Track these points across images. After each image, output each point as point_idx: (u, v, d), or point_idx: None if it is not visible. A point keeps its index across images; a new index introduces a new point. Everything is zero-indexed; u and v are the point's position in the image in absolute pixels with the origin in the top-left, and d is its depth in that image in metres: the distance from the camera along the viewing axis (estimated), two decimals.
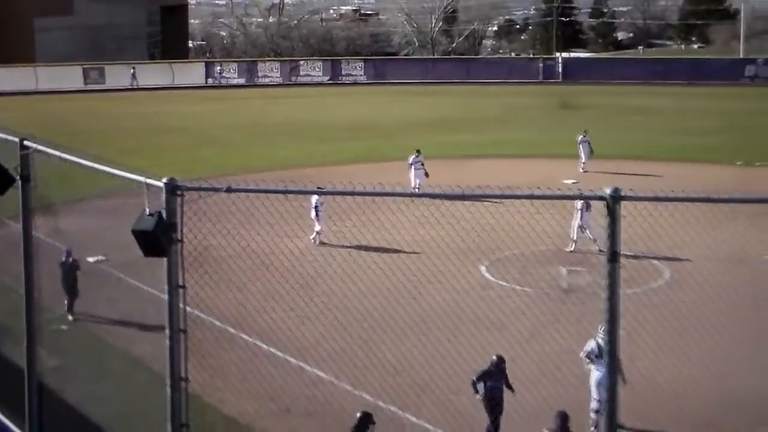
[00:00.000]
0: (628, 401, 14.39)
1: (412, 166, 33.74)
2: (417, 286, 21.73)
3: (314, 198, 26.80)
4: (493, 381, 14.52)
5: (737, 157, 41.88)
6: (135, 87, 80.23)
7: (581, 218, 25.96)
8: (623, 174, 36.05)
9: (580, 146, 39.45)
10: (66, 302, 21.20)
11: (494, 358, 14.76)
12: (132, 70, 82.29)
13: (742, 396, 15.55)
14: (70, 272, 21.20)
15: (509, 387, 14.82)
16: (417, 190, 31.07)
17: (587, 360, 15.47)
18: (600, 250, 25.59)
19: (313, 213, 27.51)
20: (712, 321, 17.32)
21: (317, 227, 27.66)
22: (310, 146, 47.95)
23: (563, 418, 13.33)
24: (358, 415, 12.90)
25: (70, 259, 21.33)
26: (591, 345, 15.32)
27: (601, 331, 12.86)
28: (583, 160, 39.31)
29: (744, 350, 17.29)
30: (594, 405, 14.94)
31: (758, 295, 19.08)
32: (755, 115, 57.80)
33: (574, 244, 26.13)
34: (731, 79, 79.04)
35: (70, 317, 21.07)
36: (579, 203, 25.26)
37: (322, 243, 27.14)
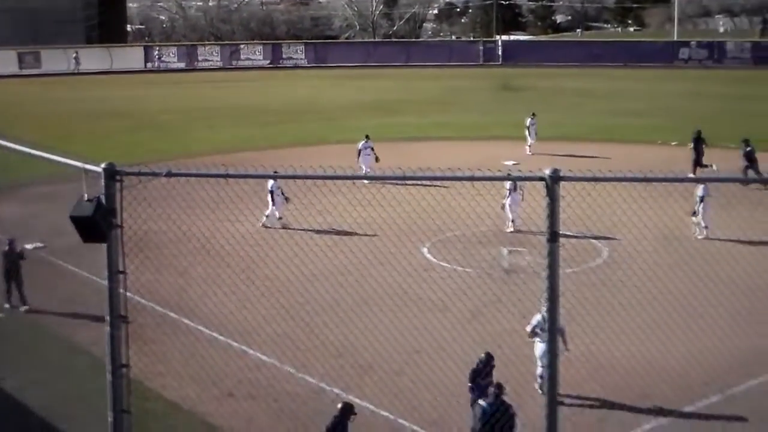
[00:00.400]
0: (568, 377, 14.64)
1: (361, 152, 33.59)
2: (359, 268, 21.83)
3: (270, 182, 26.70)
4: (483, 379, 14.09)
5: (672, 137, 42.56)
6: (77, 71, 79.06)
7: (509, 197, 26.34)
8: (571, 156, 36.43)
9: (530, 129, 39.69)
10: (6, 292, 20.72)
11: (483, 356, 14.29)
12: (74, 55, 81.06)
13: (674, 367, 15.93)
14: (13, 261, 20.68)
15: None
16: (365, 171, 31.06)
17: (533, 333, 16.00)
18: (512, 231, 26.08)
19: (269, 196, 27.41)
20: (648, 297, 17.70)
21: (268, 210, 27.54)
22: (251, 130, 47.73)
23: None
24: (339, 406, 12.70)
25: (11, 247, 20.86)
26: (537, 318, 15.88)
27: (545, 306, 14.31)
28: (530, 143, 39.53)
29: (676, 324, 17.68)
30: (540, 371, 15.62)
31: (691, 272, 19.46)
32: (688, 97, 58.80)
33: (512, 225, 26.42)
34: (666, 61, 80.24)
35: (23, 308, 20.54)
36: (508, 184, 25.61)
37: (265, 227, 27.09)
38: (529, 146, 39.43)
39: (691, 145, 34.30)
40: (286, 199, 27.45)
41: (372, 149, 33.53)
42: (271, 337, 17.54)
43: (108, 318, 8.27)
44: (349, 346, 16.53)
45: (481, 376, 14.10)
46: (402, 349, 16.24)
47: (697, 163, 33.44)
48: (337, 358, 16.19)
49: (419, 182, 29.24)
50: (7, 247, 20.78)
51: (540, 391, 15.53)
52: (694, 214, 24.66)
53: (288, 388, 15.85)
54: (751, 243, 21.84)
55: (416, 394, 14.77)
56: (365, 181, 30.19)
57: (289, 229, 26.48)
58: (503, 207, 26.49)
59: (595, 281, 20.78)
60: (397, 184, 27.26)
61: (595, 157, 35.50)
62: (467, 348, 15.66)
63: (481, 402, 13.09)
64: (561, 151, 37.77)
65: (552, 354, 7.72)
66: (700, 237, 24.33)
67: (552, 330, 7.89)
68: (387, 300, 18.90)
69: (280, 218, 27.53)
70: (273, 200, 27.47)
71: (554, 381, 7.69)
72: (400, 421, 14.57)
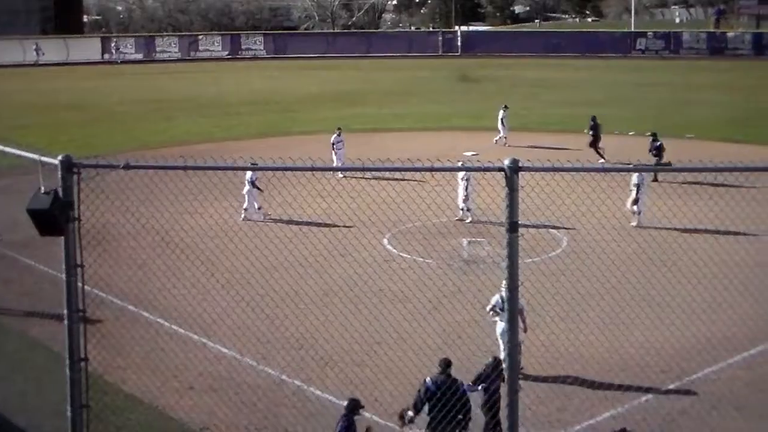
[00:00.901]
0: (528, 366, 14.82)
1: (334, 146, 32.88)
2: (319, 260, 21.83)
3: (248, 174, 26.48)
4: (490, 383, 13.34)
5: (629, 127, 42.92)
6: (37, 63, 78.11)
7: (466, 189, 26.40)
8: (533, 147, 36.61)
9: (503, 120, 39.49)
10: None
11: (491, 360, 13.61)
12: (34, 46, 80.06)
13: (632, 356, 16.11)
14: None
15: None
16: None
17: (492, 313, 16.35)
18: (460, 219, 26.18)
19: (246, 188, 27.13)
20: (606, 287, 17.84)
21: (245, 204, 27.27)
22: (210, 122, 47.46)
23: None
24: (345, 403, 12.40)
25: None
26: (495, 299, 16.27)
27: (504, 286, 14.61)
28: (503, 134, 39.37)
29: (634, 313, 17.89)
30: (503, 355, 14.80)
31: (649, 261, 19.69)
32: (645, 87, 59.33)
33: (470, 215, 26.47)
34: (623, 51, 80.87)
35: None
36: (461, 174, 25.61)
37: (247, 219, 26.89)
38: (502, 138, 39.28)
39: (589, 131, 34.92)
40: (258, 189, 27.10)
41: (343, 143, 33.05)
42: (231, 329, 17.48)
43: (66, 312, 8.20)
44: (310, 337, 16.53)
45: (488, 381, 13.25)
46: (363, 341, 16.25)
47: (594, 146, 34.30)
48: (298, 350, 16.18)
49: (379, 173, 29.25)
50: None
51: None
52: (636, 202, 24.90)
53: (249, 380, 15.81)
54: (707, 232, 22.11)
55: (377, 385, 14.77)
56: (339, 174, 30.18)
57: (243, 222, 26.35)
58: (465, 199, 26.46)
59: (554, 271, 20.93)
60: (356, 175, 27.22)
61: (554, 148, 35.76)
62: (428, 339, 15.71)
63: (427, 379, 12.75)
64: (519, 142, 37.92)
65: (512, 344, 7.77)
66: (633, 224, 24.62)
67: (512, 320, 7.93)
68: (348, 291, 18.91)
69: (259, 208, 27.21)
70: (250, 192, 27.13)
71: (514, 371, 7.75)
72: (361, 412, 14.57)
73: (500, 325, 15.87)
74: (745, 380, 15.75)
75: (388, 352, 15.30)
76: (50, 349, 16.63)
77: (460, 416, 12.37)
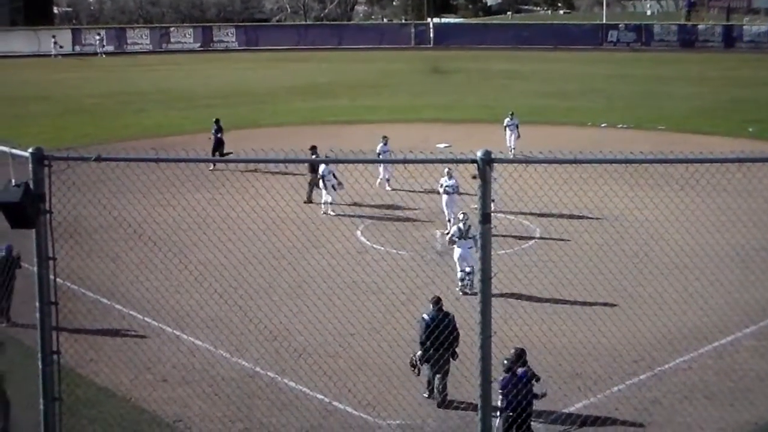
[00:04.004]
0: (501, 357, 14.85)
1: (380, 155, 29.41)
2: (292, 251, 21.80)
3: (322, 168, 26.30)
4: (517, 392, 12.97)
5: (600, 119, 43.19)
6: (56, 56, 78.20)
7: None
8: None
9: (507, 130, 34.57)
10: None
11: (512, 351, 13.33)
12: (53, 39, 80.00)
13: (605, 346, 16.21)
14: (9, 270, 17.28)
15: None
16: (383, 181, 29.58)
17: (451, 241, 20.26)
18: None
19: (321, 183, 26.80)
20: (579, 277, 17.96)
21: (324, 197, 26.93)
22: (182, 114, 47.24)
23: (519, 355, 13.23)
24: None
25: (8, 254, 17.74)
26: (453, 229, 20.50)
27: (461, 217, 19.88)
28: (511, 147, 33.90)
29: (607, 304, 18.02)
30: (460, 275, 19.87)
31: (621, 252, 19.82)
32: (616, 79, 59.66)
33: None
34: (595, 43, 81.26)
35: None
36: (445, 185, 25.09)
37: (326, 214, 26.68)
38: (512, 150, 33.57)
39: (213, 135, 33.36)
40: (339, 183, 26.53)
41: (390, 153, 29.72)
42: (204, 321, 17.44)
43: (38, 304, 8.15)
44: (284, 329, 16.51)
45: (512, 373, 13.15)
46: (337, 332, 16.27)
47: (218, 150, 32.56)
48: (272, 342, 16.16)
49: (353, 165, 29.19)
50: (3, 253, 17.82)
51: (461, 293, 19.37)
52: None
53: (222, 373, 15.78)
54: (678, 222, 22.29)
55: (351, 377, 14.81)
56: (387, 187, 29.32)
57: (216, 214, 26.26)
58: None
59: (527, 262, 21.01)
60: (329, 167, 27.15)
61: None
62: (401, 330, 15.76)
63: (424, 315, 14.66)
64: (487, 133, 37.86)
65: (485, 336, 7.78)
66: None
67: (485, 311, 7.91)
68: (321, 283, 18.91)
69: (329, 203, 26.93)
70: (325, 185, 26.79)
71: (487, 361, 7.78)
72: (335, 403, 14.61)
73: (457, 251, 19.88)
74: (716, 369, 15.91)
75: (362, 344, 15.32)
76: (22, 342, 16.54)
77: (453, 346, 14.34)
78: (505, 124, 34.76)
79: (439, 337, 14.10)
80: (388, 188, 29.10)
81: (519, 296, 18.54)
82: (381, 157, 29.48)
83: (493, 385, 7.95)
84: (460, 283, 19.82)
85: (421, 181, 26.98)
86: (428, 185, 26.29)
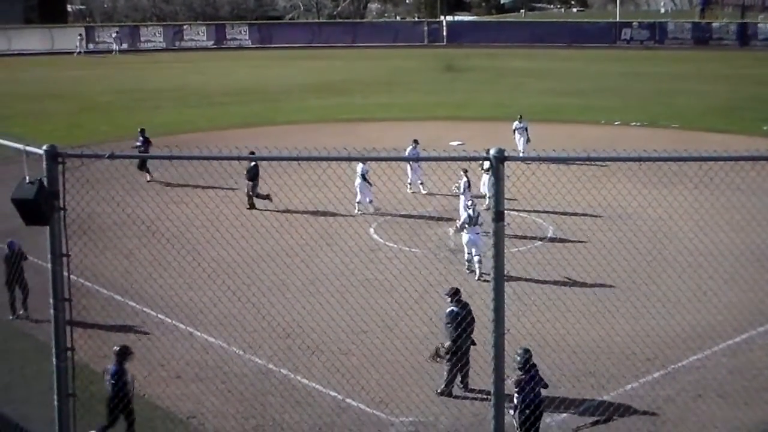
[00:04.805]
0: (514, 355, 14.83)
1: (411, 164, 28.94)
2: (306, 249, 21.85)
3: (359, 166, 25.93)
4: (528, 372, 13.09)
5: (614, 117, 43.08)
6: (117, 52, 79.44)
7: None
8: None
9: (516, 133, 33.13)
10: (10, 303, 18.58)
11: (519, 351, 13.26)
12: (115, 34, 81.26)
13: (618, 344, 16.20)
14: (15, 264, 17.84)
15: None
16: (413, 184, 28.98)
17: (461, 228, 21.30)
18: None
19: (358, 181, 26.32)
20: (592, 276, 17.93)
21: (359, 197, 26.51)
22: (195, 111, 47.33)
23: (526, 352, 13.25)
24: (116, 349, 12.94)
25: (12, 250, 18.10)
26: (463, 217, 21.57)
27: (469, 203, 21.20)
28: (522, 151, 31.79)
29: (620, 302, 17.97)
30: (467, 257, 21.25)
31: (635, 250, 19.75)
32: (630, 77, 59.47)
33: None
34: (608, 41, 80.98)
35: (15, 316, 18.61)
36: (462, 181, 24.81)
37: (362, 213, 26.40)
38: (521, 152, 31.28)
39: (138, 146, 30.24)
40: (368, 183, 26.25)
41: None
42: (218, 318, 17.49)
43: (52, 300, 8.18)
44: (297, 326, 16.54)
45: (531, 372, 13.11)
46: (349, 330, 16.27)
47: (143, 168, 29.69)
48: (285, 339, 16.18)
49: (365, 163, 29.20)
50: (7, 250, 18.15)
51: (468, 272, 20.91)
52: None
53: (235, 370, 15.82)
54: (692, 221, 22.22)
55: (363, 374, 14.83)
56: (423, 190, 28.64)
57: (229, 211, 26.32)
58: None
59: (540, 260, 20.97)
60: (342, 165, 27.17)
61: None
62: (414, 328, 15.75)
63: (453, 307, 15.12)
64: (501, 131, 37.82)
65: (498, 333, 7.76)
66: None
67: (498, 308, 7.88)
68: (334, 281, 18.92)
69: (370, 201, 26.58)
70: (369, 183, 26.39)
71: (500, 359, 7.76)
72: (348, 400, 14.63)
73: (466, 236, 21.12)
74: (729, 368, 15.85)
75: (375, 341, 15.31)
76: (36, 339, 16.63)
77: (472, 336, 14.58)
78: (514, 128, 33.41)
79: (466, 329, 14.33)
80: (423, 191, 28.32)
81: (532, 294, 18.51)
82: (411, 163, 28.79)
83: (507, 382, 7.94)
84: (467, 264, 21.22)
85: (434, 179, 26.97)
86: (441, 183, 26.28)
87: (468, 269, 21.10)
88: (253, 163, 26.61)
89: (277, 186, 25.08)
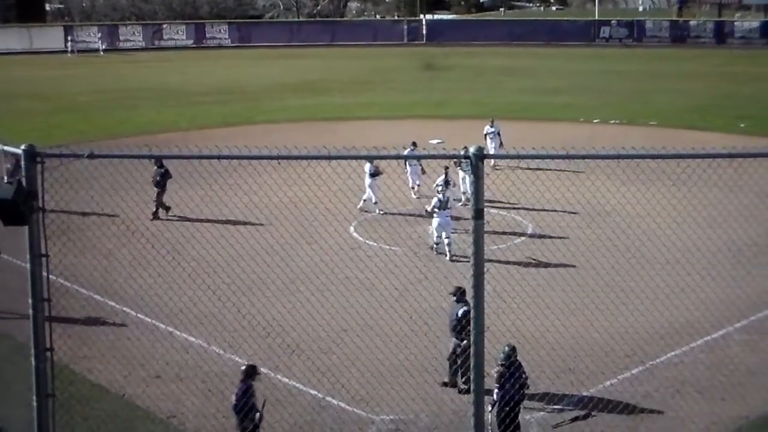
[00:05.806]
0: (494, 352, 14.91)
1: (410, 166, 28.03)
2: (286, 248, 21.82)
3: (367, 165, 25.72)
4: (517, 369, 13.30)
5: (593, 115, 43.26)
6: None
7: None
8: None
9: (488, 138, 31.09)
10: None
11: (506, 349, 13.49)
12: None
13: (597, 341, 16.28)
14: None
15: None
16: (415, 188, 28.08)
17: (432, 212, 21.81)
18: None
19: (367, 180, 26.13)
20: (571, 272, 18.02)
21: (367, 194, 26.32)
22: (175, 111, 47.17)
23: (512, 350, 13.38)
24: (242, 368, 12.73)
25: None
26: (434, 202, 21.95)
27: (439, 187, 21.58)
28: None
29: (599, 299, 18.05)
30: (435, 239, 21.96)
31: (613, 247, 19.87)
32: (609, 75, 59.73)
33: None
34: (587, 40, 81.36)
35: None
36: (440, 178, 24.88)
37: (363, 211, 26.20)
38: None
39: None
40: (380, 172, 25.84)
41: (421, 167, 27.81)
42: (198, 318, 17.46)
43: (31, 301, 8.16)
44: (277, 325, 16.52)
45: (511, 369, 13.23)
46: (330, 328, 16.29)
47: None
48: (265, 338, 16.18)
49: (345, 161, 29.19)
50: None
51: (436, 254, 21.74)
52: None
53: (216, 369, 15.80)
54: (669, 218, 22.37)
55: (344, 372, 14.85)
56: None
57: (209, 211, 26.29)
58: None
59: (520, 257, 21.07)
60: (321, 163, 27.18)
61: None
62: (394, 326, 15.78)
63: (466, 307, 14.59)
64: (480, 129, 37.79)
65: (477, 331, 7.80)
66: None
67: (478, 306, 7.94)
68: (314, 279, 18.94)
69: (376, 202, 26.40)
70: (374, 182, 26.19)
71: (480, 356, 7.80)
72: (328, 398, 14.65)
73: (435, 220, 21.78)
74: (707, 363, 15.98)
75: (355, 339, 15.34)
76: (15, 339, 16.54)
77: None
78: (485, 132, 31.43)
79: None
80: (414, 196, 28.33)
81: (511, 291, 18.58)
82: (407, 162, 27.84)
83: (486, 380, 7.98)
84: (435, 246, 22.07)
85: (423, 177, 26.99)
86: (420, 180, 26.35)
87: (436, 251, 21.89)
88: (163, 170, 25.27)
89: (257, 185, 25.00)
